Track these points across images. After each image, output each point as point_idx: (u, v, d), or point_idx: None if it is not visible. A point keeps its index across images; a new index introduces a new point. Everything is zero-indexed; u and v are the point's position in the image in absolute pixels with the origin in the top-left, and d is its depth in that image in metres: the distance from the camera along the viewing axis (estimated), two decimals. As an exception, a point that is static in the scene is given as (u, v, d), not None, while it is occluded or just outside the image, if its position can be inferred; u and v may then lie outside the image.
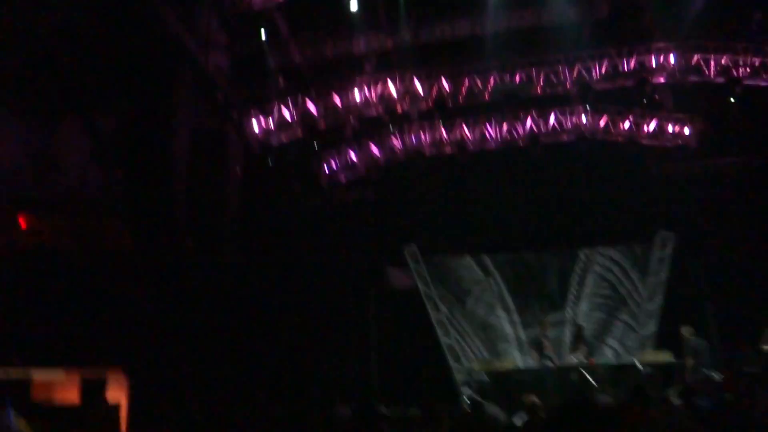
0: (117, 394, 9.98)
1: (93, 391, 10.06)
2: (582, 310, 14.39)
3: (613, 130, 14.23)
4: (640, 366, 11.39)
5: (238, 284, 12.30)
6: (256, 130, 13.32)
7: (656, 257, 14.42)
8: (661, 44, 13.21)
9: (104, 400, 9.84)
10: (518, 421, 8.08)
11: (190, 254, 11.62)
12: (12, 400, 8.03)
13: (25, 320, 10.47)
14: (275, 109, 13.43)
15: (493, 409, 9.70)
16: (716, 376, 10.50)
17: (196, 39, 12.33)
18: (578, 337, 12.60)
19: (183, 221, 11.41)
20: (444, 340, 13.98)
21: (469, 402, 12.07)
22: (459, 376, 13.65)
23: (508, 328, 14.31)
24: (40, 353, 10.34)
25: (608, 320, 14.34)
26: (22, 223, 12.12)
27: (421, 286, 14.23)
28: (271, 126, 13.33)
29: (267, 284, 12.79)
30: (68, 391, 10.04)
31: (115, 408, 9.87)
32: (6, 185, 11.96)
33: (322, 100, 13.56)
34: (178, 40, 11.84)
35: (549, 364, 11.96)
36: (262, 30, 12.58)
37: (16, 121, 12.24)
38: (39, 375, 10.10)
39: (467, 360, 13.86)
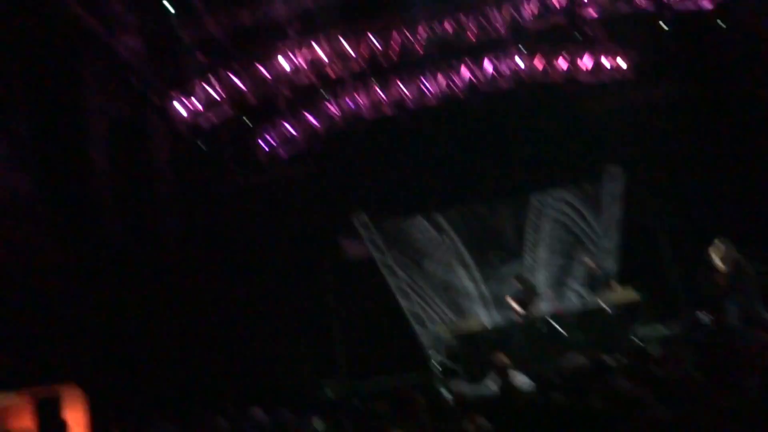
0: (75, 413, 9.94)
1: (48, 411, 9.98)
2: (541, 257, 14.94)
3: (551, 72, 14.60)
4: (607, 308, 11.85)
5: (184, 278, 12.27)
6: (183, 113, 13.08)
7: (607, 193, 15.03)
8: (588, -23, 13.51)
9: (61, 421, 9.80)
10: (491, 386, 8.27)
11: (123, 254, 11.50)
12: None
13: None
14: (199, 89, 13.20)
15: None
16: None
17: (103, 22, 11.94)
18: (528, 290, 12.93)
19: (110, 220, 11.27)
20: (405, 305, 14.35)
21: (439, 368, 12.44)
22: (426, 341, 14.08)
23: (469, 285, 14.77)
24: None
25: (568, 263, 14.93)
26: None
27: (375, 254, 14.48)
28: (198, 107, 13.11)
29: (215, 275, 12.80)
30: (22, 416, 9.93)
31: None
32: None
33: (248, 73, 13.38)
34: (81, 25, 11.45)
35: (518, 319, 12.28)
36: (170, 3, 12.25)
37: None
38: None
39: (432, 323, 14.29)
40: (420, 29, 13.70)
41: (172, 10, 12.31)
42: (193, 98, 13.14)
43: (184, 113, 13.17)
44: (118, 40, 12.30)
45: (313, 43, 13.52)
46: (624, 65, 14.48)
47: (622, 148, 14.43)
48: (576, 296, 14.55)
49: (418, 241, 14.99)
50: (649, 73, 14.46)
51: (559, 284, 14.62)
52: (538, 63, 14.59)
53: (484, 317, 14.03)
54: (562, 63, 14.59)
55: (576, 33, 13.92)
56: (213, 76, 13.23)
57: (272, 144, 14.41)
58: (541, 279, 14.63)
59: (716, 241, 10.05)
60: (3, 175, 12.33)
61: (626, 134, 14.39)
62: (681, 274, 13.33)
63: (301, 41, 13.54)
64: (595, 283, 12.86)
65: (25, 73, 11.06)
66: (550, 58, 14.68)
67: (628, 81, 14.55)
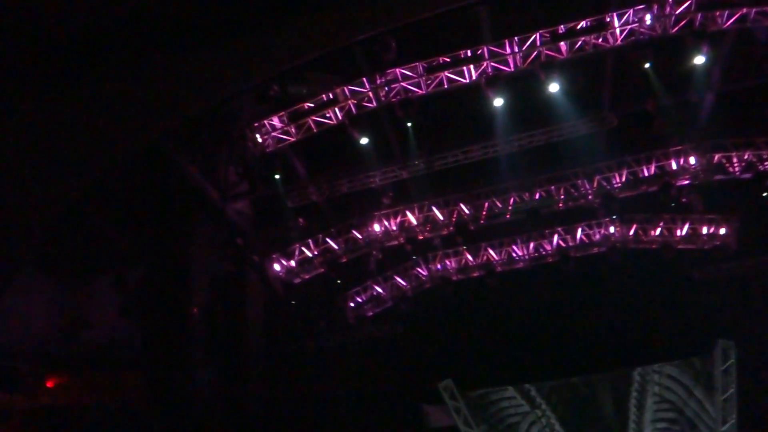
0: None
1: None
2: (648, 439, 13.83)
3: (644, 238, 14.60)
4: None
5: None
6: (278, 270, 14.25)
7: (720, 370, 14.00)
8: (678, 147, 13.90)
9: None
10: None
11: (208, 405, 12.08)
12: None
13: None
14: (296, 249, 14.45)
15: None
16: None
17: (217, 188, 13.77)
18: None
19: (200, 369, 12.07)
20: (493, 483, 13.54)
21: None
22: None
23: (564, 465, 13.79)
24: None
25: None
26: (49, 383, 12.96)
27: (460, 425, 14.07)
28: (293, 265, 14.26)
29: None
30: None
31: None
32: (35, 345, 12.97)
33: (343, 236, 14.56)
34: (199, 192, 13.29)
35: None
36: (278, 174, 13.92)
37: (46, 280, 13.55)
38: None
39: None
40: (509, 198, 14.49)
41: (278, 177, 14.00)
42: (290, 258, 14.40)
43: (280, 271, 14.36)
44: (228, 205, 14.03)
45: (406, 211, 14.65)
46: (724, 232, 14.23)
47: (728, 319, 13.68)
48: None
49: (508, 414, 14.44)
50: (753, 241, 14.04)
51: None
52: (631, 230, 14.69)
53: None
54: (656, 229, 14.60)
55: (669, 200, 14.02)
56: (310, 238, 14.52)
57: (360, 303, 15.09)
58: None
59: None
60: (120, 326, 13.78)
61: (732, 304, 13.72)
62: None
63: (395, 208, 14.72)
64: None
65: (140, 228, 12.80)
66: (643, 225, 14.76)
67: (731, 249, 14.17)
